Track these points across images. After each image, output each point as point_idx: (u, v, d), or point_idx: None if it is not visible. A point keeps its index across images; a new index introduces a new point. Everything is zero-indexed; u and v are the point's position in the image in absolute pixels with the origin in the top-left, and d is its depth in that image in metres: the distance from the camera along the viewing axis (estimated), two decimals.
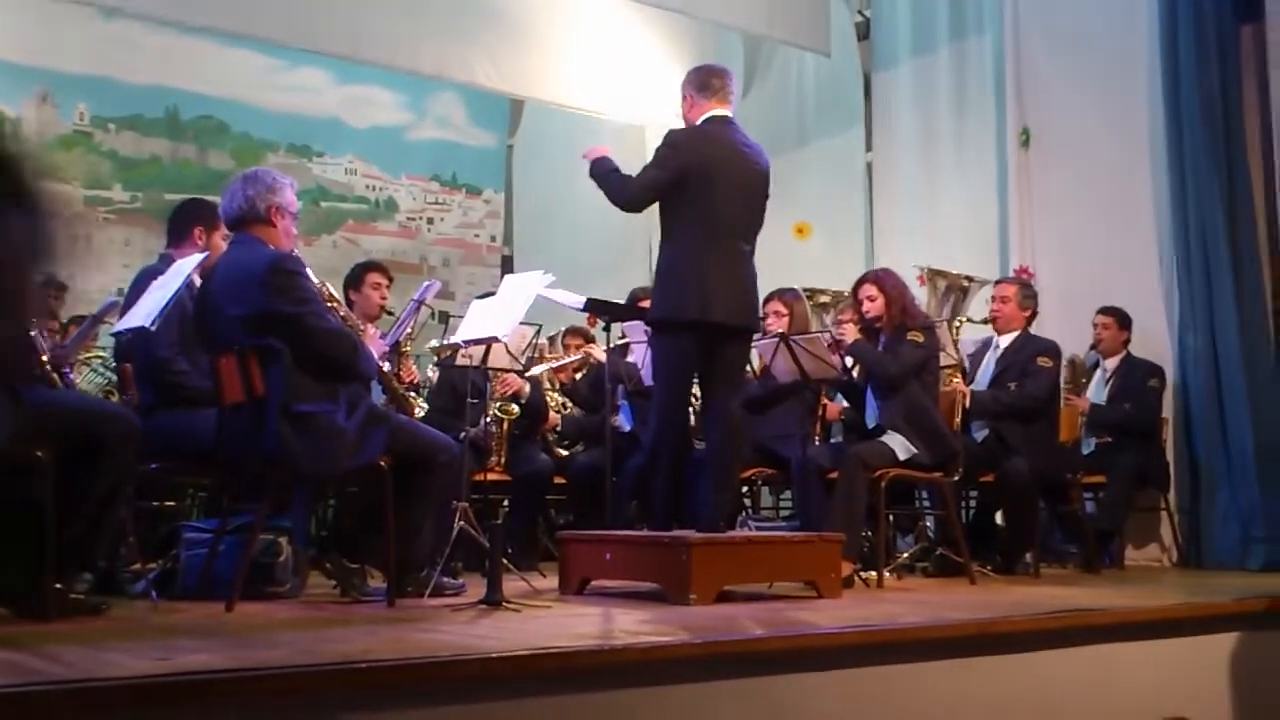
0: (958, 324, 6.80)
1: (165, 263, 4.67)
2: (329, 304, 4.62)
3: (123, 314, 4.59)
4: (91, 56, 8.57)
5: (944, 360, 6.08)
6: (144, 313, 4.24)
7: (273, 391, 4.05)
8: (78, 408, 3.72)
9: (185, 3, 6.91)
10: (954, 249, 7.87)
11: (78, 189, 8.67)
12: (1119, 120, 7.40)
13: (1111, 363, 7.00)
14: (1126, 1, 7.40)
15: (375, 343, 4.66)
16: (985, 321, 6.65)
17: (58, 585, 3.53)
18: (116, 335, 4.81)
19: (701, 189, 4.72)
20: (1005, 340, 6.40)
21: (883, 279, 5.78)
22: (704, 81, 4.94)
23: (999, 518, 6.42)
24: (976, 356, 6.64)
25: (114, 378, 5.97)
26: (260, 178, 4.41)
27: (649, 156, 4.93)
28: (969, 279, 7.06)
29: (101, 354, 6.23)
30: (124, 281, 6.10)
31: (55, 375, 3.84)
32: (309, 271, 4.35)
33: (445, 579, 4.46)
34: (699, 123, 4.91)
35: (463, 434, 5.10)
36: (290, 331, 4.08)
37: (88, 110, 8.76)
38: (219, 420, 4.26)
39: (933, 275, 7.02)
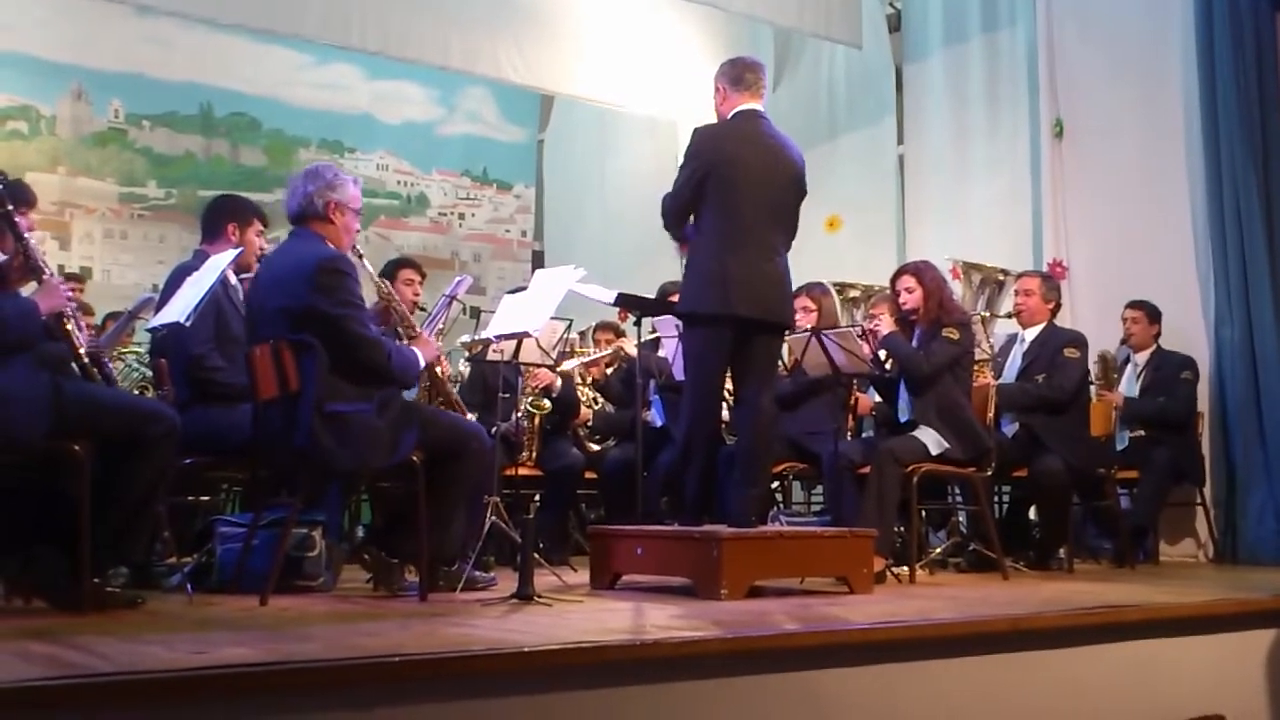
0: (981, 316, 6.74)
1: (199, 259, 4.70)
2: (388, 303, 4.64)
3: (158, 310, 4.62)
4: (126, 54, 8.65)
5: (978, 355, 6.05)
6: (179, 309, 4.27)
7: (307, 387, 4.08)
8: (120, 404, 3.75)
9: (217, 0, 6.96)
10: (987, 242, 7.82)
11: (113, 185, 8.76)
12: (1153, 110, 7.34)
13: (1142, 357, 6.94)
14: None
15: (430, 347, 4.65)
16: (1009, 316, 6.62)
17: (95, 579, 3.57)
18: (152, 331, 4.85)
19: (725, 183, 4.71)
20: (1030, 333, 6.37)
21: (922, 271, 5.74)
22: (738, 75, 4.92)
23: (1032, 513, 6.39)
24: (1003, 351, 6.61)
25: (149, 373, 6.02)
26: (321, 173, 4.43)
27: (680, 150, 4.93)
28: (1004, 272, 7.01)
29: (137, 349, 6.28)
30: (159, 277, 6.15)
31: (94, 369, 3.86)
32: (365, 267, 4.35)
33: (477, 573, 4.47)
34: (729, 117, 4.89)
35: (494, 428, 5.12)
36: (328, 331, 4.10)
37: (122, 107, 8.84)
38: (254, 414, 4.30)
39: (968, 269, 6.98)
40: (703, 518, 4.68)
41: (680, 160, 4.94)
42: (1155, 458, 6.59)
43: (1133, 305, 6.94)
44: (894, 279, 5.85)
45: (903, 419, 5.64)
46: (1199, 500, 6.83)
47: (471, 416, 5.50)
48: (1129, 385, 6.91)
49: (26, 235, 3.68)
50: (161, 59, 8.79)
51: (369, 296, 4.62)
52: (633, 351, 6.15)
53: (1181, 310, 6.99)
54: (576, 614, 3.74)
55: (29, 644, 2.81)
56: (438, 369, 4.93)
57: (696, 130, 4.91)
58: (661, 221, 4.93)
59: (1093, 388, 6.69)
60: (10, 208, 3.62)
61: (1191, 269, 7.08)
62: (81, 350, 3.77)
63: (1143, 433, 6.78)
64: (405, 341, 4.65)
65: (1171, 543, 7.00)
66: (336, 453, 4.09)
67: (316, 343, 4.06)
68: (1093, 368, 6.69)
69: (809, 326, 5.84)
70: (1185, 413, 6.74)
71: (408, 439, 4.16)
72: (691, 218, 4.85)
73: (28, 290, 3.70)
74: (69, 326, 3.72)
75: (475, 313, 6.09)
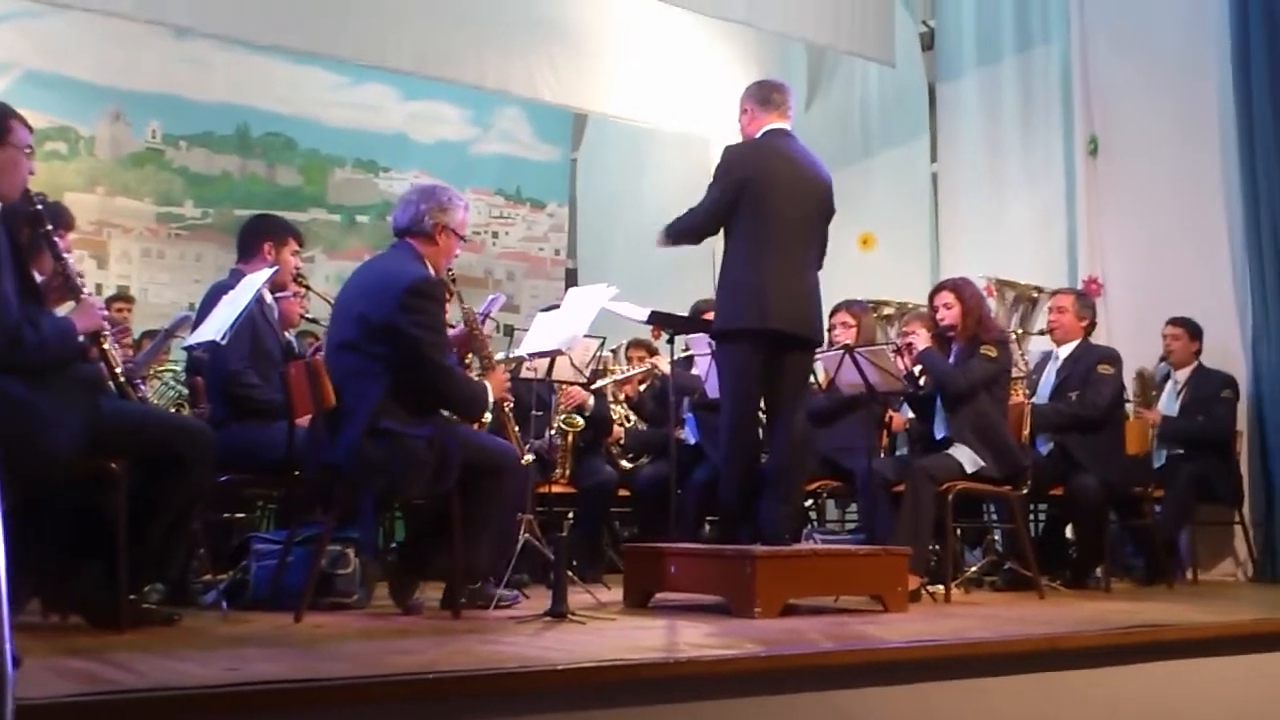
0: (1015, 334, 6.71)
1: (236, 278, 4.73)
2: (472, 330, 4.67)
3: (194, 328, 4.66)
4: (164, 75, 8.74)
5: (1013, 373, 6.01)
6: (215, 327, 4.30)
7: (358, 404, 4.10)
8: (156, 422, 3.77)
9: (254, 21, 7.02)
10: (1021, 260, 7.78)
11: (150, 205, 8.84)
12: (1189, 127, 7.29)
13: (1183, 374, 6.87)
14: (1194, 7, 7.30)
15: (502, 382, 4.67)
16: (1042, 333, 6.58)
17: (131, 596, 3.59)
18: (188, 349, 4.89)
19: (758, 200, 4.72)
20: (1064, 351, 6.31)
21: (961, 288, 5.71)
22: (765, 96, 4.94)
23: (1068, 532, 6.33)
24: (1037, 369, 6.57)
25: (185, 391, 6.07)
26: (436, 194, 4.50)
27: (713, 168, 4.92)
28: (1038, 289, 6.98)
29: (174, 368, 6.33)
30: (195, 296, 6.20)
31: (130, 389, 3.89)
32: (455, 292, 4.37)
33: (500, 590, 4.46)
34: (758, 136, 4.90)
35: (527, 446, 5.12)
36: (403, 350, 4.13)
37: (160, 128, 8.92)
38: (288, 431, 4.33)
39: (1001, 286, 6.95)
40: (743, 535, 4.66)
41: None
42: (1179, 473, 6.52)
43: (1173, 322, 6.88)
44: (932, 295, 5.82)
45: (938, 436, 5.61)
46: (1238, 519, 6.76)
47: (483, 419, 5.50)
48: (1169, 403, 6.85)
49: (65, 255, 3.72)
50: (199, 80, 8.88)
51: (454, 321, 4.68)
52: (666, 369, 6.16)
53: (1219, 327, 6.93)
54: (610, 632, 3.74)
55: (66, 660, 2.84)
56: (506, 405, 4.93)
57: (727, 148, 4.92)
58: (671, 230, 4.91)
59: (1130, 405, 6.64)
60: (49, 228, 3.66)
61: (1228, 286, 7.02)
62: (118, 370, 3.80)
63: (1179, 450, 6.72)
64: (480, 373, 4.68)
65: (1210, 562, 6.93)
66: (376, 472, 4.11)
67: (385, 356, 4.12)
68: (1130, 385, 6.63)
69: (845, 343, 5.82)
70: (1223, 432, 6.68)
71: (448, 474, 4.16)
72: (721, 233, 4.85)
73: (65, 309, 3.73)
74: (106, 346, 3.75)
75: (509, 331, 6.11)
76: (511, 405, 5.12)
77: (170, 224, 8.91)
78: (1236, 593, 6.09)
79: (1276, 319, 6.67)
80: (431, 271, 4.37)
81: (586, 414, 6.39)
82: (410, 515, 4.97)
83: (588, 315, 5.18)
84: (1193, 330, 6.84)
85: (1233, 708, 3.85)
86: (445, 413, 4.43)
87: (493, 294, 6.42)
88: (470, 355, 4.95)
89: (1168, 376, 6.96)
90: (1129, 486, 6.18)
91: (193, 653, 3.05)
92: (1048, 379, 6.35)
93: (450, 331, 4.57)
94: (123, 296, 7.84)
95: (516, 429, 5.12)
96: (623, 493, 6.66)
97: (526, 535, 4.86)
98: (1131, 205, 7.54)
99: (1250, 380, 6.85)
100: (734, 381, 4.83)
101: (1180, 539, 6.62)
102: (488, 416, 5.47)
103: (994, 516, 6.26)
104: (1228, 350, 6.93)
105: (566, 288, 8.69)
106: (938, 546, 5.48)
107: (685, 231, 4.90)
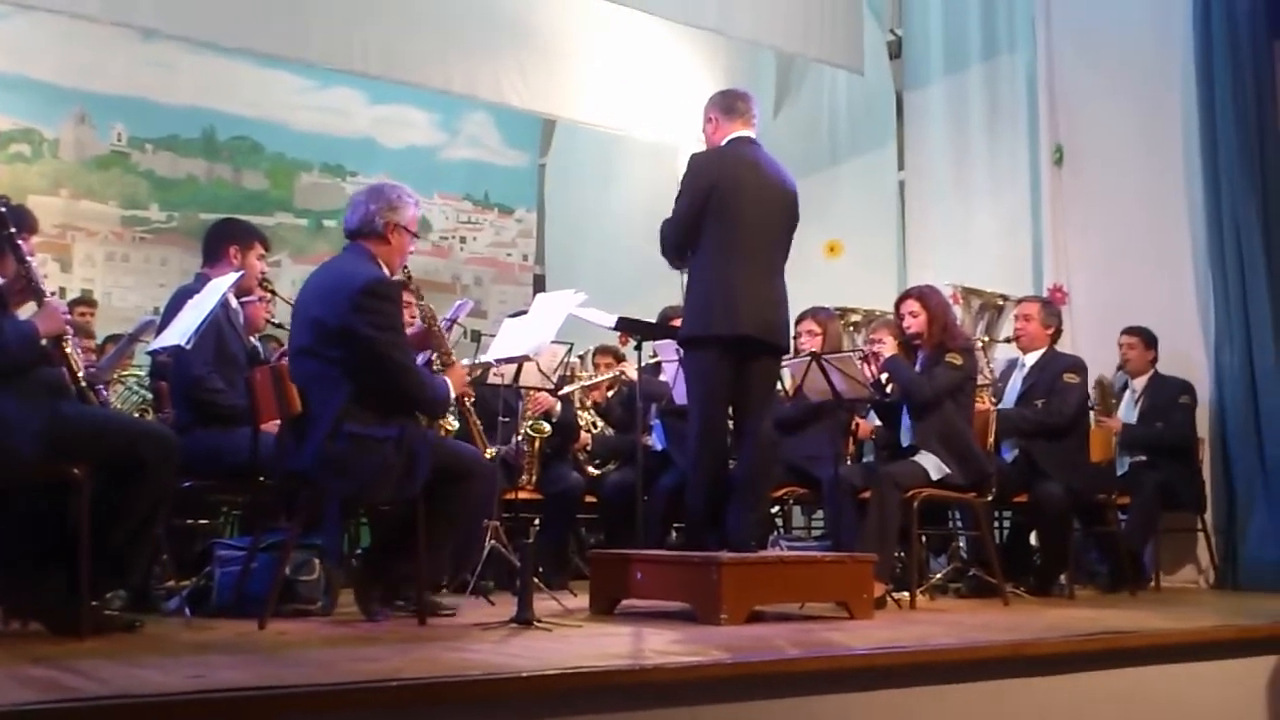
0: (982, 341, 6.75)
1: (201, 282, 4.70)
2: (430, 327, 4.65)
3: (159, 333, 4.63)
4: (130, 78, 8.69)
5: (979, 380, 6.05)
6: (180, 331, 4.27)
7: (321, 409, 4.08)
8: (119, 427, 3.75)
9: (222, 25, 6.98)
10: (987, 267, 7.84)
11: (115, 209, 8.78)
12: (1153, 137, 7.36)
13: (1139, 382, 6.92)
14: (1160, 18, 7.37)
15: (462, 378, 4.65)
16: (1008, 340, 6.63)
17: (93, 602, 3.56)
18: (153, 354, 4.86)
19: (726, 206, 4.72)
20: (1030, 359, 6.36)
21: (927, 296, 5.74)
22: (729, 104, 4.94)
23: (1033, 539, 6.38)
24: (1003, 376, 6.61)
25: (149, 396, 6.02)
26: (384, 193, 4.46)
27: (681, 176, 4.93)
28: (1004, 298, 7.02)
29: (137, 372, 6.28)
30: (160, 300, 6.16)
31: (91, 393, 3.85)
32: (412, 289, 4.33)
33: (436, 599, 4.43)
34: (723, 144, 4.91)
35: (496, 450, 5.11)
36: (361, 352, 4.11)
37: (125, 131, 8.87)
38: (252, 436, 4.30)
39: (967, 294, 7.00)
40: (710, 541, 4.66)
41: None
42: (1145, 482, 6.57)
43: (1129, 331, 6.94)
44: (898, 303, 5.85)
45: (904, 443, 5.63)
46: (1200, 526, 6.82)
47: (451, 426, 5.49)
48: (1128, 411, 6.90)
49: (28, 258, 3.69)
50: (165, 83, 8.83)
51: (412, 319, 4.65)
52: (633, 375, 6.16)
53: (1182, 335, 6.99)
54: (576, 639, 3.73)
55: (27, 668, 2.81)
56: (467, 400, 4.91)
57: (694, 156, 4.93)
58: (660, 249, 4.93)
59: (1092, 413, 6.69)
60: (12, 230, 3.63)
61: (1191, 294, 7.08)
62: (80, 374, 3.77)
63: (1143, 458, 6.77)
64: (439, 369, 4.67)
65: (1173, 568, 6.98)
66: (342, 477, 4.08)
67: (342, 359, 4.09)
68: (1091, 393, 6.69)
69: (811, 351, 5.84)
70: (1183, 438, 6.73)
71: (416, 477, 4.13)
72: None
73: (27, 312, 3.70)
74: (68, 350, 3.71)
75: (476, 336, 6.10)
76: (473, 400, 5.11)
77: (135, 227, 8.85)
78: (1198, 599, 6.15)
79: (1239, 327, 6.74)
80: (386, 271, 4.35)
81: (553, 420, 6.38)
82: (375, 521, 4.95)
83: (555, 321, 5.18)
84: (1148, 339, 6.90)
85: (1193, 714, 3.88)
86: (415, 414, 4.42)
87: (460, 299, 6.41)
88: (434, 355, 4.93)
89: (1125, 385, 7.01)
90: (1093, 494, 6.22)
91: (155, 660, 3.03)
92: (1014, 387, 6.39)
93: (408, 330, 4.55)
94: (86, 300, 7.78)
95: (480, 424, 5.10)
96: (589, 499, 6.65)
97: (492, 541, 4.85)
98: (1096, 213, 7.61)
99: (1213, 387, 6.91)
100: (702, 388, 4.83)
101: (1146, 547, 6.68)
102: (455, 423, 5.47)
103: (959, 523, 6.29)
104: (1190, 358, 6.99)
105: (534, 293, 8.70)
106: (903, 553, 5.50)
107: (666, 247, 4.90)
